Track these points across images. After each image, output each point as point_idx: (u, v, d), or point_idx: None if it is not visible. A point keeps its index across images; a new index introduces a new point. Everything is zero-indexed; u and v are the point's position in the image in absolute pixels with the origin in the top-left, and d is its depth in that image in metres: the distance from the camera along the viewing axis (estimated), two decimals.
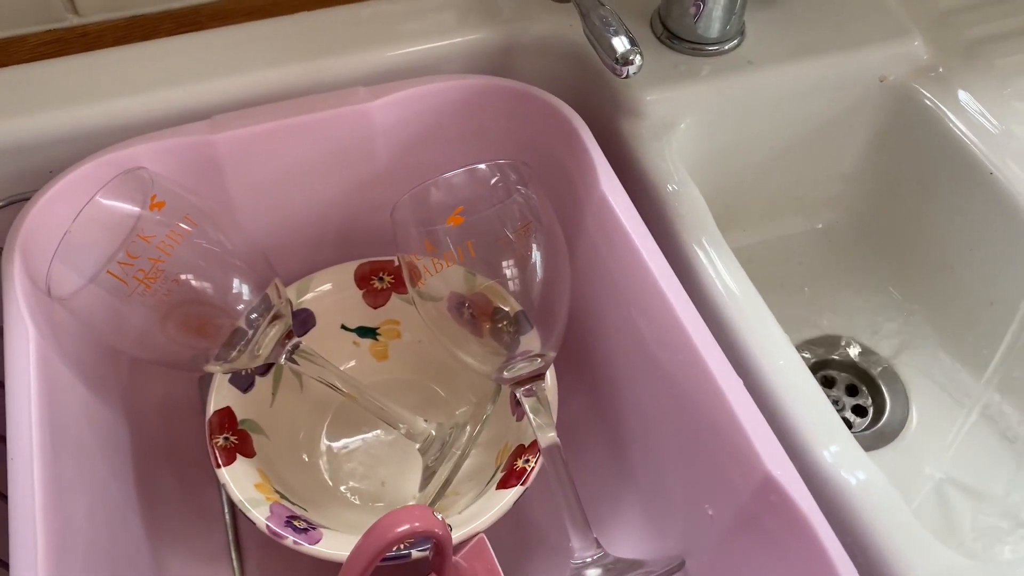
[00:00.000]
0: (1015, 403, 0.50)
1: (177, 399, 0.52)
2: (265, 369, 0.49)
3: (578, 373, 0.51)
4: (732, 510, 0.39)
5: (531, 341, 0.46)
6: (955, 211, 0.52)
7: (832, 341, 0.56)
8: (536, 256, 0.45)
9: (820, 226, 0.59)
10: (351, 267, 0.52)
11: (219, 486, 0.50)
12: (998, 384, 0.51)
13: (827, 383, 0.55)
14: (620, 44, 0.41)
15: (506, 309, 0.46)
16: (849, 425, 0.53)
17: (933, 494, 0.49)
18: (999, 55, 0.54)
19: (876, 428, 0.52)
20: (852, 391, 0.54)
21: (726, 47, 0.52)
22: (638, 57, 0.41)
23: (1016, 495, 0.48)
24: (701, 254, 0.45)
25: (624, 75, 0.41)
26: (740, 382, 0.39)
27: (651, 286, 0.42)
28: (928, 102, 0.52)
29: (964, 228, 0.51)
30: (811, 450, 0.38)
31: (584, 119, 0.49)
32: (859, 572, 0.34)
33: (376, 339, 0.53)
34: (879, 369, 0.54)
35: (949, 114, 0.52)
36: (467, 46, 0.53)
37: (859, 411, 0.54)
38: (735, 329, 0.43)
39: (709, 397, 0.39)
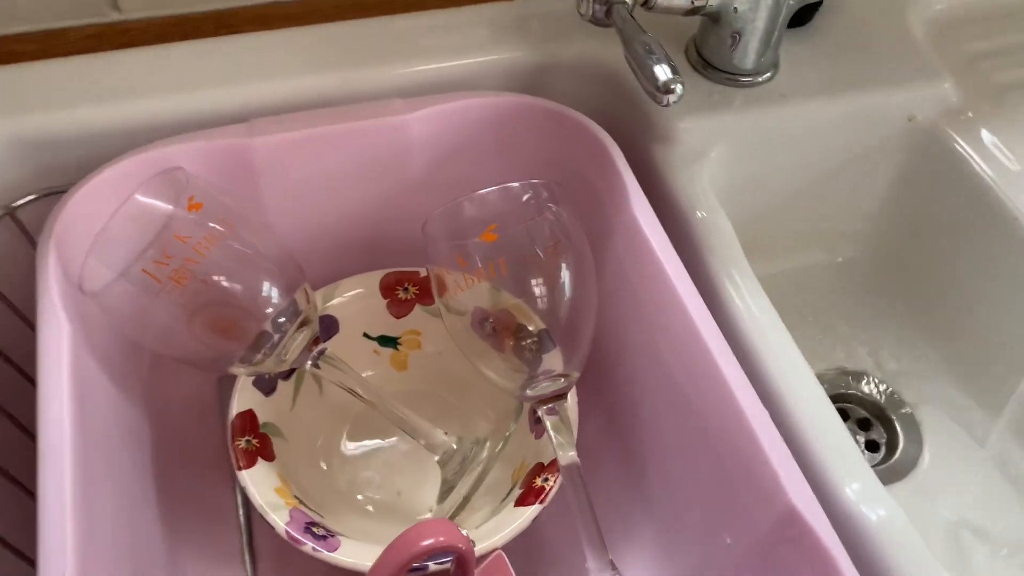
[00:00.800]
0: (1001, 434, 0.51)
1: (195, 399, 0.52)
2: (288, 373, 0.49)
3: (598, 393, 0.51)
4: (751, 540, 0.39)
5: (553, 360, 0.47)
6: (977, 254, 0.52)
7: (847, 375, 0.56)
8: (565, 275, 0.46)
9: (840, 260, 0.59)
10: (377, 276, 0.52)
11: (234, 488, 0.50)
12: (1013, 427, 0.51)
13: (841, 416, 0.55)
14: (663, 72, 0.41)
15: (530, 327, 0.47)
16: None
17: (944, 534, 0.49)
18: (1013, 87, 0.55)
19: (888, 464, 0.53)
20: (865, 425, 0.55)
21: (760, 79, 0.52)
22: (680, 86, 0.41)
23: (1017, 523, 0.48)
24: (728, 282, 0.46)
25: (665, 103, 0.42)
26: (766, 413, 0.39)
27: (678, 311, 0.43)
28: (956, 145, 0.53)
29: (985, 271, 0.52)
30: (832, 484, 0.39)
31: (617, 142, 0.50)
32: None
33: (397, 349, 0.53)
34: (893, 405, 0.55)
35: (976, 158, 0.52)
36: (502, 64, 0.54)
37: (872, 446, 0.54)
38: (760, 359, 0.43)
39: (734, 426, 0.39)
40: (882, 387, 0.55)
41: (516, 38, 0.54)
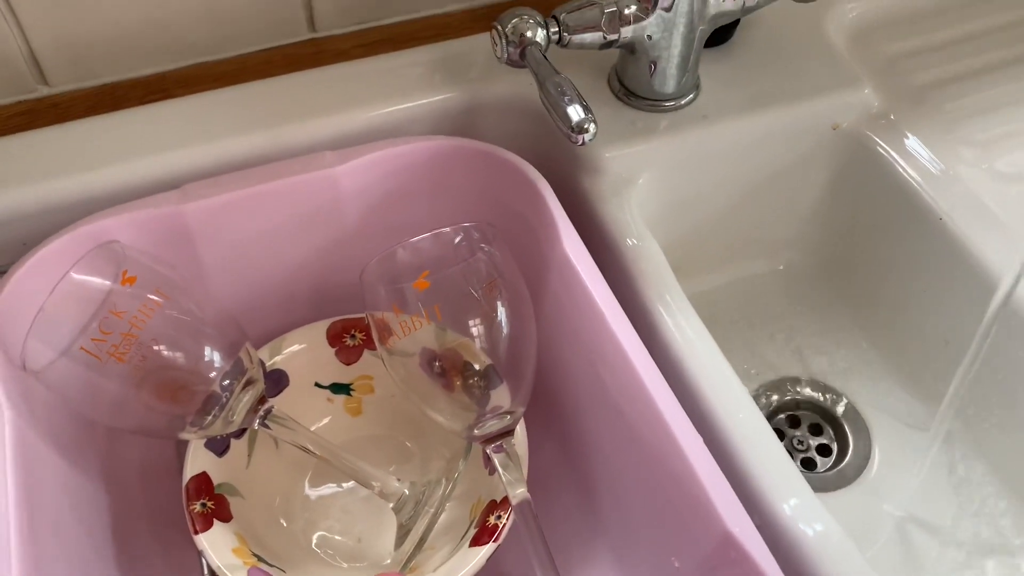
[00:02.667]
0: (968, 439, 0.52)
1: (156, 462, 0.53)
2: (240, 432, 0.50)
3: (549, 424, 0.52)
4: (695, 563, 0.40)
5: (501, 396, 0.48)
6: (907, 253, 0.53)
7: (796, 381, 0.57)
8: (502, 313, 0.47)
9: (782, 267, 0.61)
10: (323, 326, 0.53)
11: (199, 551, 0.51)
12: (951, 423, 0.52)
13: (792, 423, 0.56)
14: (575, 113, 0.42)
15: (476, 365, 0.48)
16: (814, 464, 0.54)
17: (895, 532, 0.50)
18: (945, 100, 0.56)
19: (840, 467, 0.54)
20: (816, 430, 0.56)
21: (682, 102, 0.53)
22: (592, 126, 0.42)
23: (971, 529, 0.49)
24: (661, 308, 0.47)
25: (579, 143, 0.43)
26: (699, 439, 0.40)
27: (612, 343, 0.44)
28: (879, 148, 0.54)
29: (916, 269, 0.53)
30: (770, 502, 0.40)
31: (547, 176, 0.51)
32: None
33: (350, 395, 0.54)
34: (842, 408, 0.56)
35: (899, 159, 0.53)
36: (432, 107, 0.54)
37: (824, 450, 0.55)
38: (695, 381, 0.44)
39: (670, 453, 0.40)
40: (831, 391, 0.56)
41: (444, 81, 0.55)
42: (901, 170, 0.53)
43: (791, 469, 0.40)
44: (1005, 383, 0.49)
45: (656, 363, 0.44)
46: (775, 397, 0.56)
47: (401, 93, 0.55)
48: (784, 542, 0.39)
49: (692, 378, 0.44)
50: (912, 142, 0.54)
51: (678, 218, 0.56)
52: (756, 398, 0.56)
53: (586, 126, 0.42)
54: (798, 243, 0.60)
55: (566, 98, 0.42)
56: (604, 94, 0.54)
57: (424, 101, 0.55)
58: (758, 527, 0.39)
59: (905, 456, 0.53)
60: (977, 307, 0.48)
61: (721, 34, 0.56)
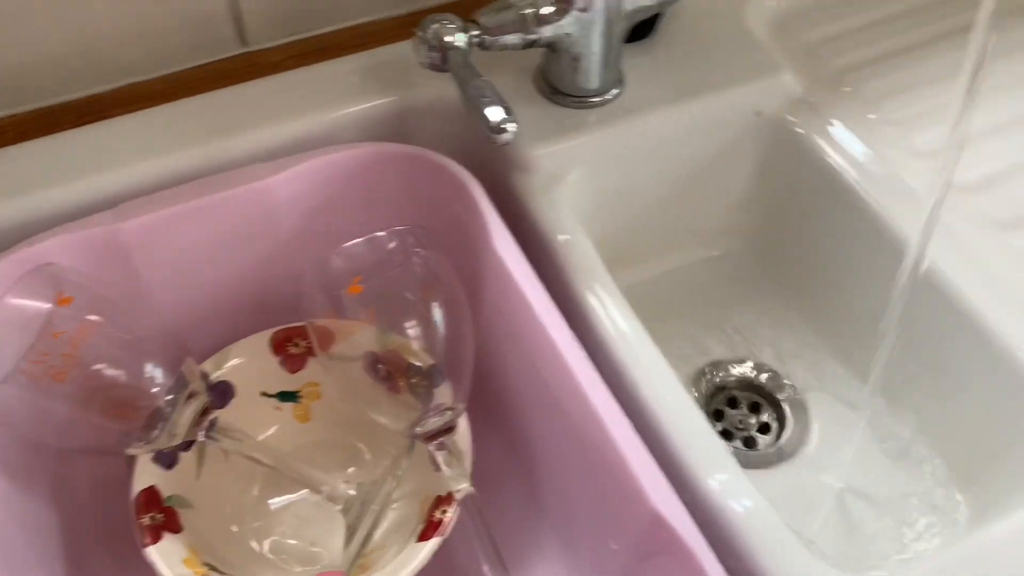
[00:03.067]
0: (898, 409, 0.54)
1: (107, 478, 0.53)
2: (188, 444, 0.50)
3: (494, 419, 0.53)
4: (631, 545, 0.41)
5: (444, 394, 0.49)
6: (834, 234, 0.55)
7: (735, 362, 0.59)
8: (438, 315, 0.48)
9: (717, 254, 0.62)
10: (266, 336, 0.53)
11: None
12: (881, 393, 0.54)
13: (731, 403, 0.58)
14: (494, 114, 0.43)
15: (419, 365, 0.49)
16: (754, 443, 0.56)
17: (833, 504, 0.52)
18: (864, 81, 0.57)
19: (780, 444, 0.55)
20: (756, 409, 0.57)
21: (607, 97, 0.55)
22: (512, 125, 0.43)
23: (908, 499, 0.51)
24: (593, 300, 0.48)
25: (500, 143, 0.44)
26: (628, 425, 0.41)
27: (544, 338, 0.45)
28: (801, 132, 0.56)
29: (843, 249, 0.55)
30: (700, 481, 0.41)
31: (479, 177, 0.52)
32: None
33: (298, 402, 0.55)
34: (780, 386, 0.57)
35: (821, 142, 0.55)
36: (363, 114, 0.55)
37: (764, 428, 0.57)
38: (626, 369, 0.45)
39: (601, 441, 0.41)
40: (769, 371, 0.58)
41: (374, 88, 0.56)
42: (823, 153, 0.55)
43: (720, 448, 0.42)
44: (924, 351, 0.51)
45: (589, 354, 0.46)
46: (716, 379, 0.58)
47: (332, 102, 0.56)
48: (715, 520, 0.40)
49: (623, 366, 0.45)
50: (833, 125, 0.55)
51: (612, 211, 0.57)
52: (696, 381, 0.58)
53: (505, 126, 0.43)
54: (733, 229, 0.61)
55: (485, 100, 0.44)
56: (531, 93, 0.55)
57: (355, 108, 0.55)
58: (690, 506, 0.41)
59: (842, 430, 0.54)
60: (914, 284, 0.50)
61: (643, 29, 0.57)
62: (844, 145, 0.54)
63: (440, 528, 0.46)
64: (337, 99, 0.56)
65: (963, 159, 0.52)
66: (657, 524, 0.38)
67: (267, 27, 0.59)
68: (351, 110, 0.55)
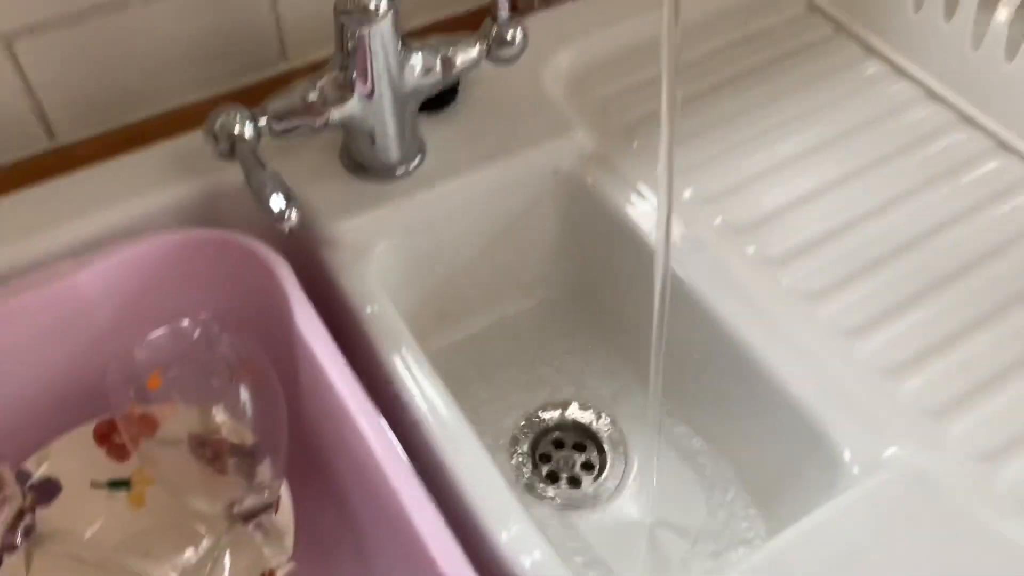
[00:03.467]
0: (699, 440, 0.58)
1: None
2: (10, 547, 0.51)
3: (323, 489, 0.55)
4: None
5: (267, 471, 0.50)
6: (632, 277, 0.59)
7: (558, 404, 0.62)
8: (246, 397, 0.49)
9: (535, 303, 0.65)
10: (89, 428, 0.54)
11: None
12: (684, 422, 0.58)
13: (557, 445, 0.61)
14: (276, 203, 0.46)
15: (240, 443, 0.50)
16: (579, 482, 0.59)
17: (647, 538, 0.55)
18: (650, 133, 0.61)
19: (602, 481, 0.59)
20: (580, 448, 0.60)
21: (409, 168, 0.57)
22: (294, 212, 0.46)
23: (714, 525, 0.55)
24: (399, 367, 0.50)
25: (285, 230, 0.46)
26: (422, 492, 0.43)
27: (346, 412, 0.47)
28: (595, 185, 0.59)
29: (640, 294, 0.58)
30: (492, 538, 0.44)
31: (290, 255, 0.54)
32: None
33: (131, 488, 0.56)
34: (602, 424, 0.61)
35: (614, 193, 0.59)
36: (173, 201, 0.57)
37: (588, 466, 0.60)
38: (432, 434, 0.48)
39: (397, 509, 0.44)
40: (590, 410, 0.61)
41: (184, 174, 0.57)
42: (615, 204, 0.58)
43: (511, 504, 0.44)
44: (702, 379, 0.55)
45: (397, 420, 0.48)
46: (541, 423, 0.61)
47: (143, 191, 0.57)
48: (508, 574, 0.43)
49: (429, 429, 0.48)
50: (624, 175, 0.59)
51: (427, 275, 0.59)
52: (522, 426, 0.61)
53: (287, 213, 0.45)
54: (546, 280, 0.65)
55: (267, 190, 0.46)
56: (336, 170, 0.58)
57: (166, 196, 0.57)
58: (488, 562, 0.43)
59: (661, 465, 0.58)
60: (692, 320, 0.54)
61: (442, 99, 0.60)
62: (632, 196, 0.58)
63: None
64: (148, 188, 0.57)
65: (739, 200, 0.57)
66: None
67: (74, 121, 0.60)
68: (162, 198, 0.57)
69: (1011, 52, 0.59)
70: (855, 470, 0.46)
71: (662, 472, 0.57)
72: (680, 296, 0.54)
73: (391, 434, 0.46)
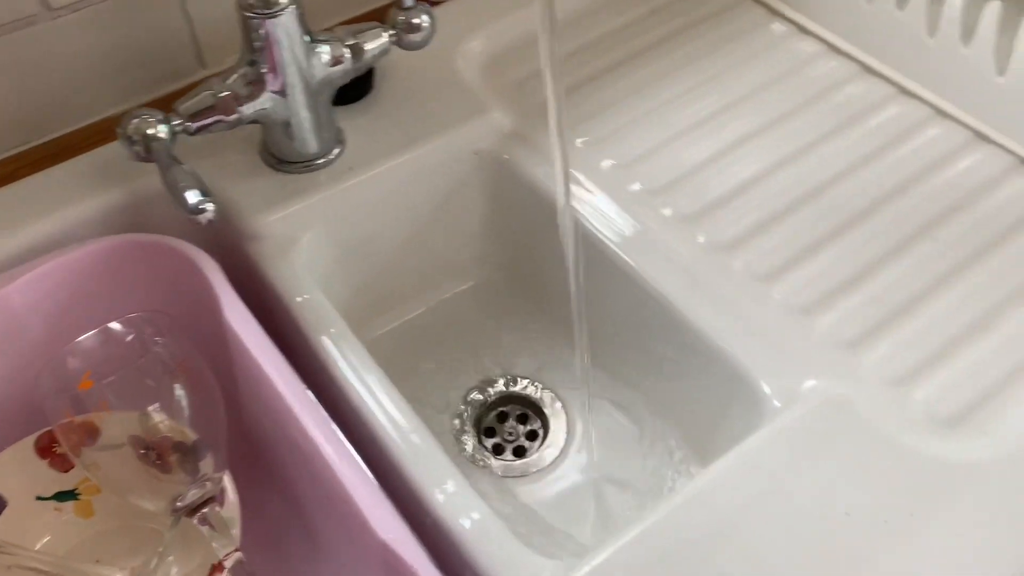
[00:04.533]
0: (634, 396, 0.60)
1: None
2: None
3: (270, 479, 0.56)
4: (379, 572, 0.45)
5: (209, 465, 0.51)
6: (556, 251, 0.60)
7: (499, 380, 0.63)
8: (181, 394, 0.50)
9: (471, 283, 0.66)
10: (29, 442, 0.54)
11: None
12: (617, 380, 0.60)
13: (501, 418, 0.62)
14: (191, 197, 0.46)
15: (182, 440, 0.51)
16: (525, 451, 0.60)
17: (595, 494, 0.57)
18: (566, 109, 0.63)
19: (545, 447, 0.60)
20: (524, 419, 0.62)
21: (331, 158, 0.58)
22: (209, 206, 0.47)
23: (656, 476, 0.56)
24: (335, 353, 0.51)
25: (203, 223, 0.47)
26: (358, 463, 0.44)
27: (281, 400, 0.48)
28: (513, 162, 0.61)
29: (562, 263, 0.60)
30: (431, 503, 0.45)
31: (220, 252, 0.55)
32: None
33: (78, 499, 0.56)
34: (542, 395, 0.62)
35: (531, 168, 0.60)
36: (100, 209, 0.57)
37: (532, 436, 0.61)
38: (367, 412, 0.48)
39: (335, 482, 0.45)
40: (530, 381, 0.63)
41: (109, 182, 0.58)
42: (533, 177, 0.60)
43: (446, 467, 0.45)
44: (627, 335, 0.57)
45: (332, 400, 0.49)
46: (484, 398, 0.62)
47: (70, 202, 0.57)
48: (447, 538, 0.44)
49: (363, 408, 0.48)
50: (539, 151, 0.60)
51: (358, 263, 0.60)
52: (465, 403, 0.62)
53: (203, 207, 0.46)
54: (481, 260, 0.66)
55: (182, 185, 0.46)
56: (257, 165, 0.59)
57: (93, 205, 0.57)
58: (431, 530, 0.44)
59: (602, 427, 0.59)
60: (614, 282, 0.55)
61: (359, 90, 0.61)
62: (549, 170, 0.59)
63: None
64: (74, 199, 0.57)
65: (654, 164, 0.59)
66: (387, 552, 0.42)
67: None
68: (89, 207, 0.57)
69: (902, 3, 0.62)
70: (776, 404, 0.47)
71: (603, 431, 0.58)
72: (603, 259, 0.56)
73: (328, 419, 0.46)
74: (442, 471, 0.45)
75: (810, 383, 0.48)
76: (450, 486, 0.45)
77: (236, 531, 0.50)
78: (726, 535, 0.43)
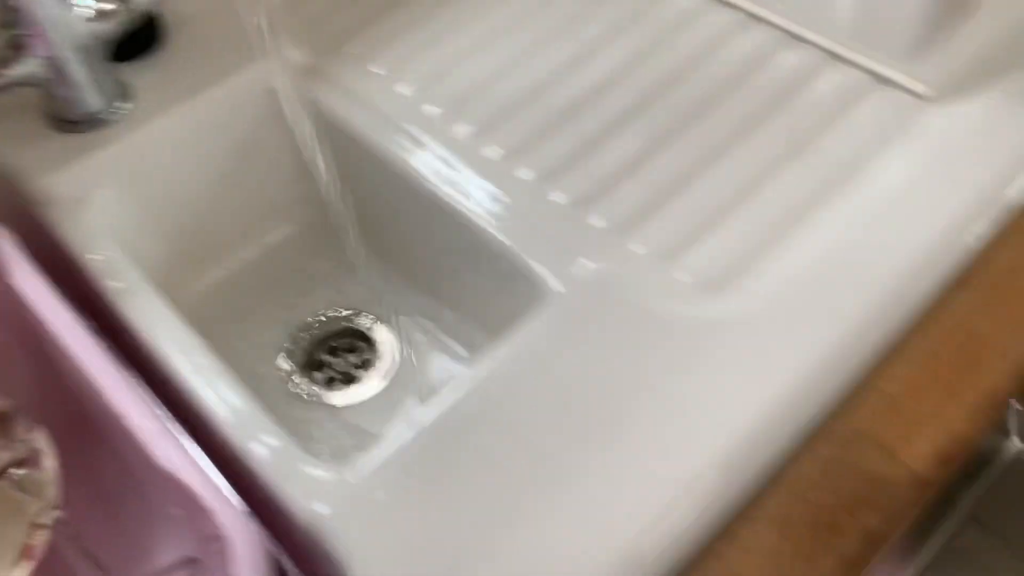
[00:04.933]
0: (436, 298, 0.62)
1: None
2: None
3: (97, 440, 0.56)
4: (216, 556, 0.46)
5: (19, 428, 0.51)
6: (373, 179, 0.61)
7: (324, 315, 0.64)
8: None
9: (298, 228, 0.67)
10: None
11: None
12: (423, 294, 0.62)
13: (332, 352, 0.63)
14: None
15: None
16: (355, 379, 0.62)
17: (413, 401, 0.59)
18: (360, 40, 0.63)
19: (375, 371, 0.62)
20: (352, 350, 0.63)
21: (114, 115, 0.58)
22: None
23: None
24: (138, 310, 0.51)
25: None
26: (165, 430, 0.45)
27: (77, 364, 0.48)
28: (312, 96, 0.61)
29: (373, 186, 0.60)
30: (231, 437, 0.46)
31: (14, 220, 0.54)
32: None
33: None
34: (365, 322, 0.64)
35: (330, 98, 0.60)
36: None
37: (367, 364, 0.63)
38: (175, 366, 0.49)
39: (148, 458, 0.45)
40: (351, 311, 0.64)
41: None
42: (335, 107, 0.60)
43: (260, 417, 0.46)
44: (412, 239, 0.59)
45: (136, 350, 0.50)
46: (311, 335, 0.63)
47: None
48: (240, 463, 0.45)
49: (169, 362, 0.49)
50: (336, 82, 0.61)
51: (167, 216, 0.60)
52: (293, 341, 0.63)
53: None
54: (304, 199, 0.66)
55: None
56: (40, 128, 0.58)
57: None
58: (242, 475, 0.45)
59: (425, 353, 0.61)
60: (407, 195, 0.57)
61: (145, 45, 0.60)
62: (345, 99, 0.60)
63: (29, 553, 0.49)
64: None
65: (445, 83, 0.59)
66: (174, 482, 0.43)
67: None
68: None
69: None
70: (554, 288, 0.49)
71: (421, 345, 0.60)
72: (392, 174, 0.57)
73: (117, 367, 0.47)
74: (231, 393, 0.47)
75: (585, 266, 0.49)
76: (238, 403, 0.46)
77: (52, 491, 0.51)
78: (495, 418, 0.45)
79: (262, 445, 0.45)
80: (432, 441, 0.45)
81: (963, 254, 0.50)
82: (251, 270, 0.65)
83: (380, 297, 0.63)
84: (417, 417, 0.46)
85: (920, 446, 0.43)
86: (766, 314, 0.47)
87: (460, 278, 0.58)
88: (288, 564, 0.47)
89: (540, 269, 0.50)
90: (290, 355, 0.63)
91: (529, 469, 0.44)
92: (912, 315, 0.48)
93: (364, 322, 0.64)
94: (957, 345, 0.47)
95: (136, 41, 0.60)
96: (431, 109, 0.59)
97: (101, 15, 0.54)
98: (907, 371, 0.46)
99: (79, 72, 0.54)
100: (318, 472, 0.44)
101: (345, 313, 0.64)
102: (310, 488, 0.44)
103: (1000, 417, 1.05)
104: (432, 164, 0.56)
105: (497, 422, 0.45)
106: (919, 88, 0.54)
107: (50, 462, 0.54)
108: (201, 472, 0.43)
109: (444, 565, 0.42)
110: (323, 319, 0.64)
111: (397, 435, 0.45)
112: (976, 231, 0.50)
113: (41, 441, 0.54)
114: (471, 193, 0.54)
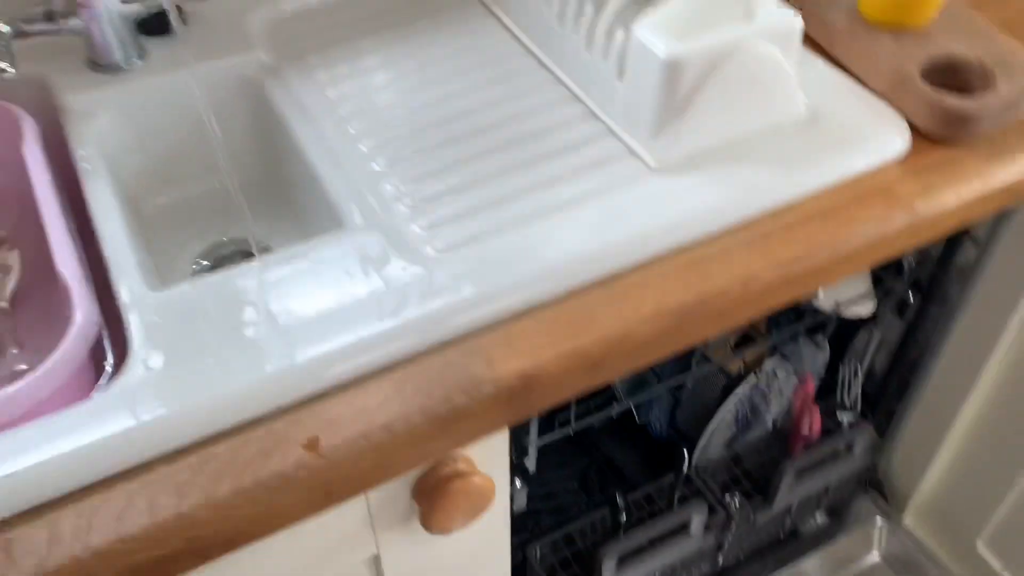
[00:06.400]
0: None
1: None
2: None
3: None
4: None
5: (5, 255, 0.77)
6: (293, 153, 0.85)
7: (239, 242, 0.89)
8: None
9: (242, 176, 0.92)
10: None
11: None
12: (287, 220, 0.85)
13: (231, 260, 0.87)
14: None
15: None
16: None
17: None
18: (314, 56, 0.89)
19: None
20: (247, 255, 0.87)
21: (133, 67, 0.85)
22: (9, 67, 0.74)
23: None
24: (92, 185, 0.76)
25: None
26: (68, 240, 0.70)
27: (44, 210, 0.73)
28: (269, 89, 0.87)
29: (289, 157, 0.85)
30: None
31: (43, 115, 0.81)
32: None
33: None
34: (266, 246, 0.87)
35: (276, 91, 0.86)
36: None
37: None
38: (100, 225, 0.74)
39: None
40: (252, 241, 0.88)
41: None
42: (281, 103, 0.85)
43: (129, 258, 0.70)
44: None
45: (86, 218, 0.75)
46: (220, 251, 0.88)
47: None
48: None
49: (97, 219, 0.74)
50: (286, 81, 0.86)
51: (149, 145, 0.87)
52: (211, 253, 0.88)
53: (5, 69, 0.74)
54: (249, 156, 0.92)
55: None
56: (78, 64, 0.86)
57: None
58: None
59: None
60: (305, 173, 0.81)
61: (164, 25, 0.88)
62: (295, 96, 0.85)
63: None
64: None
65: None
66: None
67: None
68: None
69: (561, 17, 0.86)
70: (356, 221, 0.73)
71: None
72: (292, 145, 0.82)
73: (69, 221, 0.72)
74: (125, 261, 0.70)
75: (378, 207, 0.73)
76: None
77: (7, 292, 0.76)
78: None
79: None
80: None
81: (614, 265, 0.70)
82: (201, 199, 0.91)
83: (286, 231, 0.89)
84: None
85: (512, 365, 0.64)
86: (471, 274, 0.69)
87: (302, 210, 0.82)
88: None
89: (349, 209, 0.74)
90: (201, 256, 0.88)
91: None
92: (557, 294, 0.69)
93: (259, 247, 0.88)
94: (573, 318, 0.67)
95: (160, 21, 0.87)
96: (342, 111, 0.83)
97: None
98: (532, 324, 0.67)
99: (110, 33, 0.82)
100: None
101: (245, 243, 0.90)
102: None
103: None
104: (321, 144, 0.80)
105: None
106: (651, 161, 0.75)
107: (14, 273, 0.79)
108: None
109: None
110: (233, 242, 0.89)
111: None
112: (633, 256, 0.71)
113: (13, 259, 0.80)
114: (335, 165, 0.78)
